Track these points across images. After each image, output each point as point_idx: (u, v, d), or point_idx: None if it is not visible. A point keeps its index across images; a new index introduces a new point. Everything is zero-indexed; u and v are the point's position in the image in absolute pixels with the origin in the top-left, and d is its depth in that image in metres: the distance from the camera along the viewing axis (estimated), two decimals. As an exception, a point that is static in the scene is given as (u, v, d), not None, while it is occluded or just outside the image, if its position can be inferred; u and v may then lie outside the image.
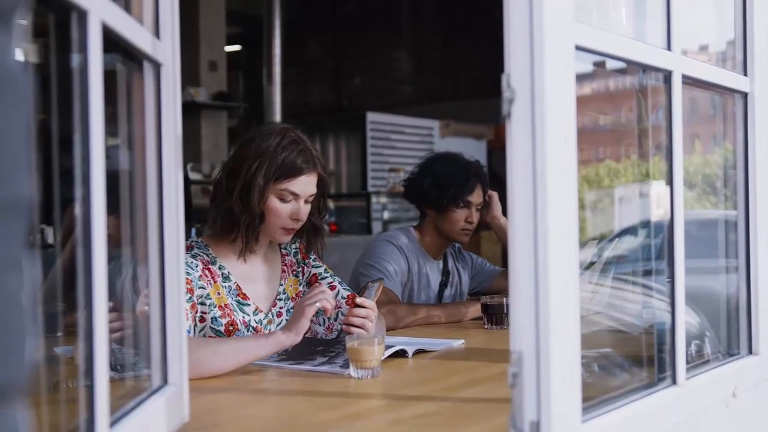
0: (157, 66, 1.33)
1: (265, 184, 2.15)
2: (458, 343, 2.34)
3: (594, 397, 1.32)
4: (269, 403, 1.72)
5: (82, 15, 0.98)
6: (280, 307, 2.32)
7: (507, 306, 2.65)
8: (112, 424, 1.07)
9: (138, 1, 1.30)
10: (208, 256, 2.21)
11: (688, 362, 1.55)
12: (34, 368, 0.62)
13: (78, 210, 1.00)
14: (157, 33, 1.33)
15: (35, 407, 0.81)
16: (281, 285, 2.34)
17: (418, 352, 2.18)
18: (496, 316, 2.65)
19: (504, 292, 2.95)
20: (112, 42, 1.09)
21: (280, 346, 1.97)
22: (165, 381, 1.36)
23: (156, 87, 1.34)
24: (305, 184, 2.20)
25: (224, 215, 2.19)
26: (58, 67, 1.03)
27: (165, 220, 1.35)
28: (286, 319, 2.28)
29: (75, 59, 1.00)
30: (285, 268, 2.37)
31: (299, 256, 2.41)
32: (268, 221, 2.21)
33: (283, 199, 2.19)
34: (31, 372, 0.61)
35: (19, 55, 0.61)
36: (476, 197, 3.00)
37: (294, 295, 2.36)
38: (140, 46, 1.23)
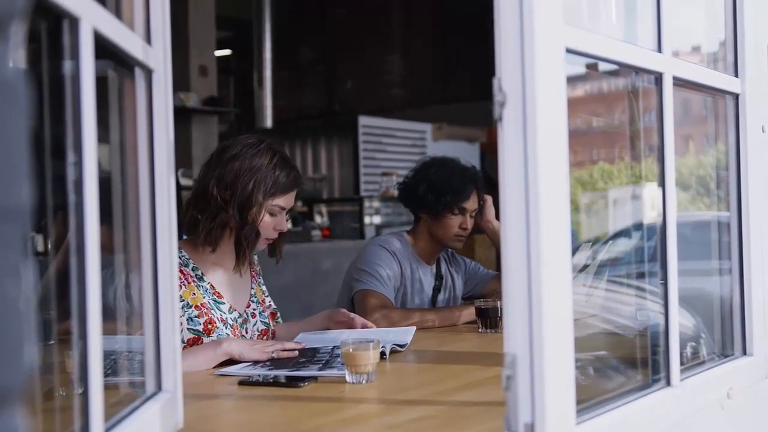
0: (148, 72, 1.33)
1: (263, 201, 2.26)
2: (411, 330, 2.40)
3: (589, 399, 1.32)
4: (264, 409, 1.71)
5: (74, 22, 0.98)
6: (253, 309, 2.42)
7: (501, 309, 2.64)
8: (107, 431, 1.07)
9: (129, 6, 1.30)
10: (180, 258, 2.25)
11: (683, 364, 1.56)
12: (32, 374, 0.62)
13: (71, 217, 0.99)
14: (148, 39, 1.33)
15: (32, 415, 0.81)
16: (252, 288, 2.45)
17: (394, 351, 2.21)
18: (491, 319, 2.65)
19: (498, 295, 2.95)
20: (103, 48, 1.09)
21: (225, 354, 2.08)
22: (159, 387, 1.36)
23: (148, 93, 1.34)
24: (293, 199, 2.35)
25: (218, 228, 2.26)
26: (49, 73, 1.03)
27: (158, 227, 1.35)
28: (260, 321, 2.42)
29: (66, 65, 1.00)
30: (254, 274, 2.49)
31: (258, 268, 2.53)
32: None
33: (272, 214, 2.30)
34: (29, 377, 0.61)
35: (16, 63, 0.62)
36: (471, 204, 3.00)
37: (260, 301, 2.46)
38: (132, 52, 1.23)
